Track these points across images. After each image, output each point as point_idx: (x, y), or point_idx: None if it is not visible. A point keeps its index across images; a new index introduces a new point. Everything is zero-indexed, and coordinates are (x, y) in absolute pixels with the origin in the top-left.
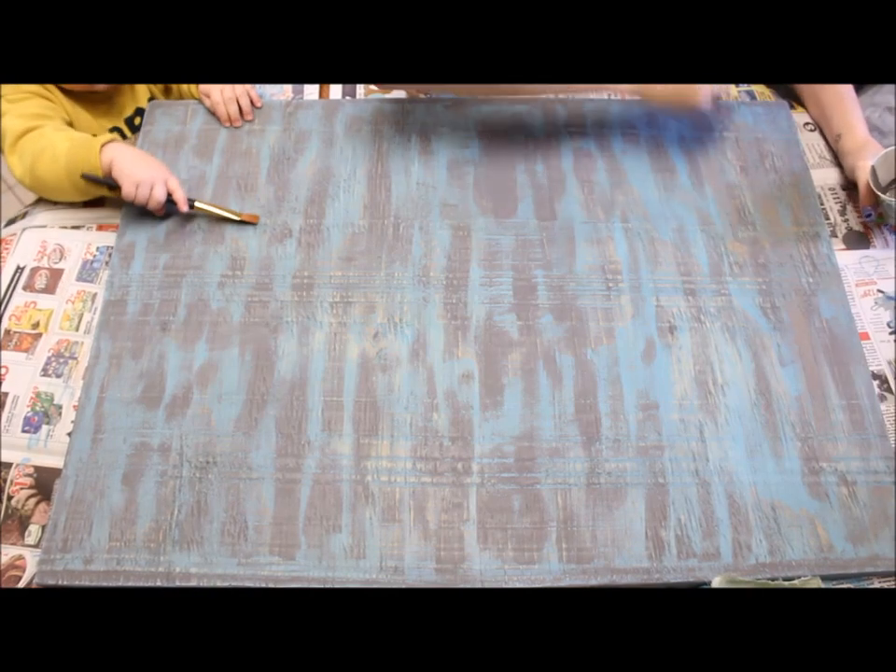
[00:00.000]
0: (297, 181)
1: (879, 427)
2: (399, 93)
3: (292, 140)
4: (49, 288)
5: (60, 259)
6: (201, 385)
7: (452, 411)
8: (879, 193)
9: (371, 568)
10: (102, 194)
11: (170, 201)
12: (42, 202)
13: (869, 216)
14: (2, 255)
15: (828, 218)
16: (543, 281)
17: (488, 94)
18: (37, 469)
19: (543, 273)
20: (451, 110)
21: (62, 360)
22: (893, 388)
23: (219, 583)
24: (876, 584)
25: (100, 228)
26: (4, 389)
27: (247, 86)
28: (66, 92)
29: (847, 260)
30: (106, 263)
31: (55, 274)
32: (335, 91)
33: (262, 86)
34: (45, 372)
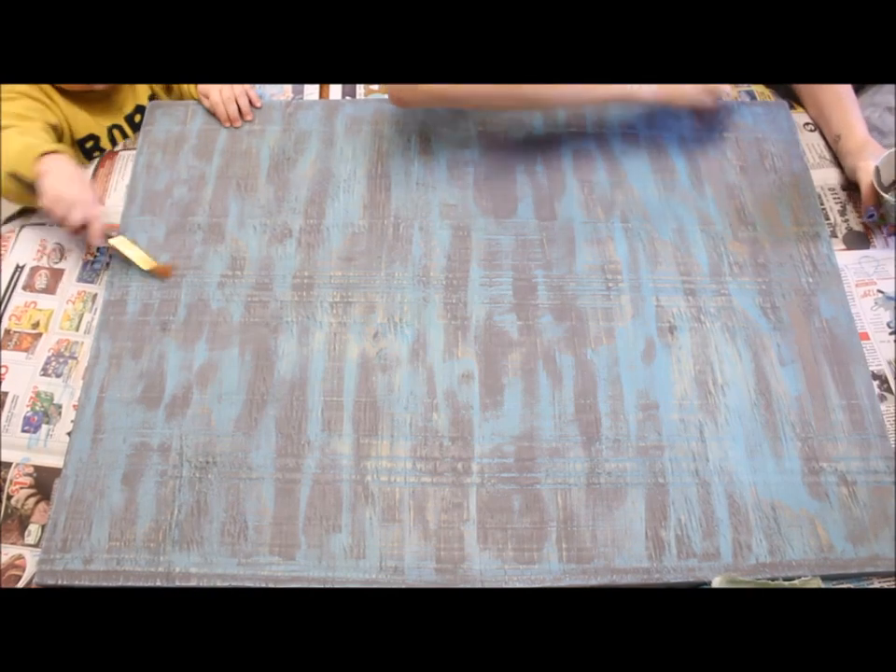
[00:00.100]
0: (297, 181)
1: (879, 427)
2: None
3: (292, 140)
4: (50, 288)
5: (60, 259)
6: (201, 385)
7: (452, 411)
8: (883, 193)
9: (371, 568)
10: (31, 203)
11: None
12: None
13: (871, 216)
14: (1, 252)
15: (828, 218)
16: (543, 281)
17: (512, 108)
18: (37, 468)
19: (543, 273)
20: (451, 110)
21: (62, 360)
22: (893, 388)
23: (219, 583)
24: (876, 584)
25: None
26: (4, 389)
27: (246, 86)
28: (64, 92)
29: (847, 260)
30: (107, 264)
31: (55, 274)
32: (335, 90)
33: (262, 86)
34: (45, 372)
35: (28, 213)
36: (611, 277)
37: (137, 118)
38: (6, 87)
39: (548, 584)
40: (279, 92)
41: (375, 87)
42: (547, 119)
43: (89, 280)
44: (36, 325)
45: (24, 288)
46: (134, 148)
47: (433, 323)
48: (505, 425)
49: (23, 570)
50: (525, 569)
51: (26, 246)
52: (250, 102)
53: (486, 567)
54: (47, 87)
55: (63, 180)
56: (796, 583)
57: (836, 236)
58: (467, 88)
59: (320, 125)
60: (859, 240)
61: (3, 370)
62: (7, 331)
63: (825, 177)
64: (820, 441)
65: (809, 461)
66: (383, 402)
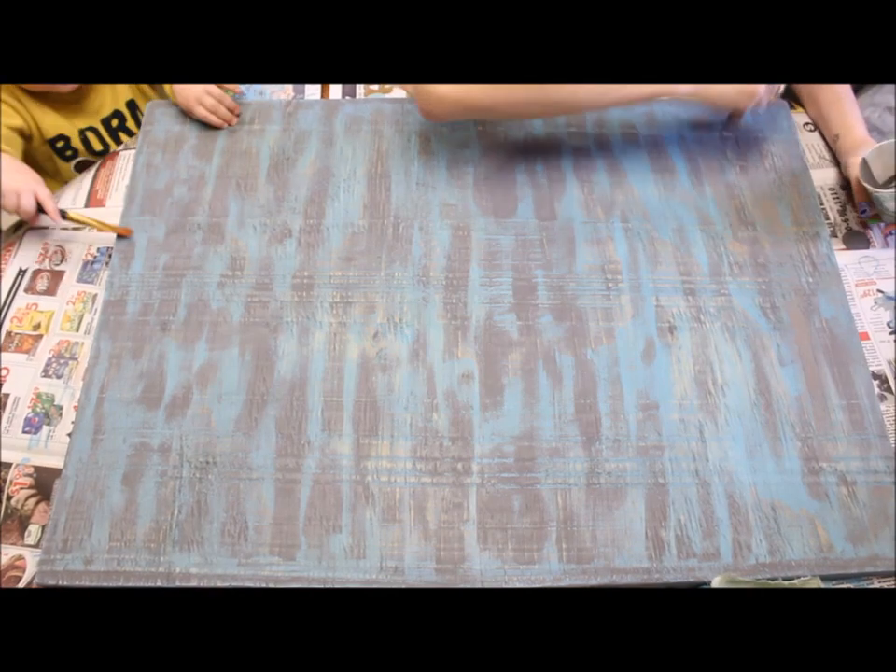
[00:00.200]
0: (297, 181)
1: (879, 427)
2: (399, 93)
3: (292, 140)
4: (50, 290)
5: (61, 261)
6: (201, 385)
7: (452, 411)
8: (867, 185)
9: (371, 568)
10: None
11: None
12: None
13: (864, 212)
14: (4, 258)
15: (828, 218)
16: (543, 281)
17: (542, 115)
18: (37, 469)
19: (543, 273)
20: None
21: (62, 361)
22: (893, 388)
23: (220, 584)
24: (876, 584)
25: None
26: (5, 390)
27: (211, 89)
28: (31, 93)
29: (847, 260)
30: (106, 264)
31: (56, 276)
32: (335, 90)
33: (263, 86)
34: (45, 373)
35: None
36: (611, 277)
37: (115, 122)
38: None
39: (548, 584)
40: (280, 91)
41: (375, 87)
42: (547, 119)
43: (89, 280)
44: (37, 326)
45: (26, 291)
46: (134, 148)
47: (433, 323)
48: (505, 425)
49: (24, 571)
50: (525, 569)
51: (29, 250)
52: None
53: (486, 567)
54: (13, 88)
55: (7, 173)
56: (796, 583)
57: (836, 236)
58: (494, 94)
59: (320, 125)
60: (859, 240)
61: (4, 371)
62: (9, 333)
63: (825, 177)
64: (820, 441)
65: (809, 461)
66: (383, 402)
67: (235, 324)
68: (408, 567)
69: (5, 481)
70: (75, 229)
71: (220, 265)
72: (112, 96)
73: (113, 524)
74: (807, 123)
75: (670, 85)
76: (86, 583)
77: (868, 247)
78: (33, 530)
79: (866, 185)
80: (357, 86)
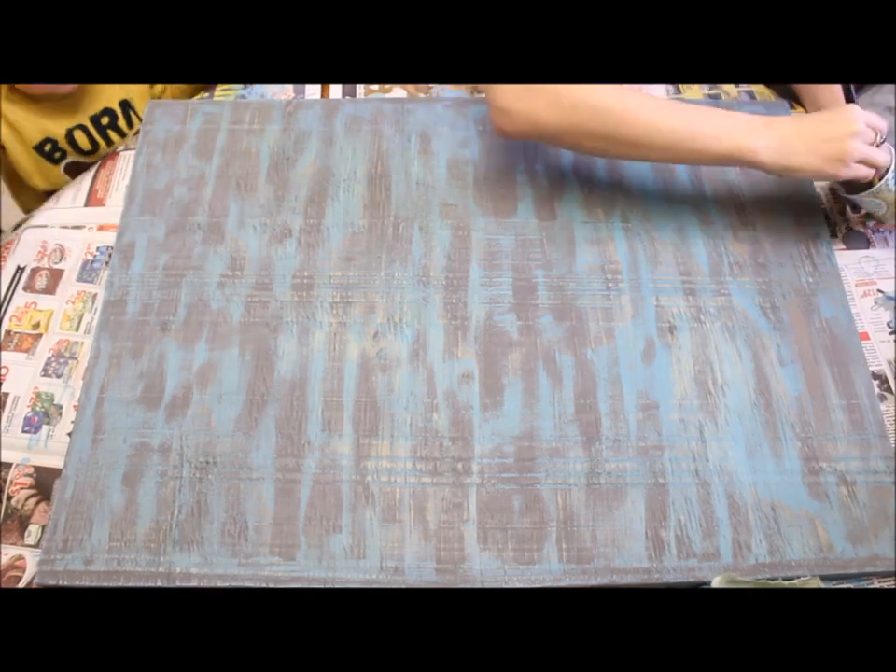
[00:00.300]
0: (297, 181)
1: (879, 427)
2: (399, 93)
3: (292, 140)
4: (50, 289)
5: (60, 260)
6: (201, 385)
7: (452, 411)
8: (846, 195)
9: (371, 569)
10: None
11: None
12: (44, 203)
13: (855, 208)
14: (2, 255)
15: (828, 218)
16: (543, 281)
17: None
18: (37, 469)
19: (543, 273)
20: (451, 110)
21: (62, 360)
22: (893, 388)
23: (220, 584)
24: (876, 584)
25: (100, 228)
26: (4, 390)
27: None
28: (12, 100)
29: (847, 260)
30: (106, 263)
31: (55, 275)
32: (335, 90)
33: (263, 86)
34: (45, 373)
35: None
36: (611, 277)
37: (105, 120)
38: None
39: (548, 584)
40: (280, 92)
41: (375, 87)
42: None
43: (88, 280)
44: (37, 325)
45: (25, 289)
46: (135, 148)
47: (433, 323)
48: (505, 425)
49: (24, 571)
50: (525, 569)
51: (27, 248)
52: None
53: (486, 567)
54: None
55: None
56: (796, 583)
57: (836, 236)
58: (563, 120)
59: (320, 125)
60: (859, 240)
61: (3, 370)
62: (8, 332)
63: None
64: (820, 441)
65: (809, 461)
66: (383, 402)
67: (235, 324)
68: (408, 566)
69: (5, 481)
70: (74, 227)
71: (220, 265)
72: (105, 94)
73: (113, 524)
74: None
75: (753, 146)
76: (86, 583)
77: (868, 247)
78: (33, 530)
79: (845, 195)
80: (357, 86)
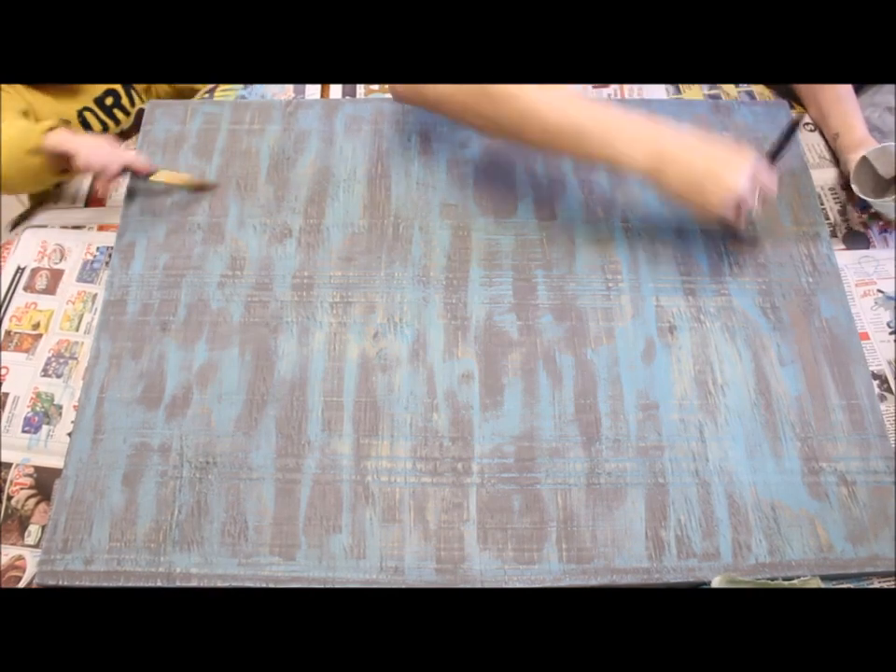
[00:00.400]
0: (297, 181)
1: (879, 427)
2: None
3: (292, 140)
4: (50, 289)
5: (60, 260)
6: (201, 385)
7: (452, 411)
8: (863, 196)
9: (371, 569)
10: (53, 180)
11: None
12: (44, 202)
13: (863, 207)
14: (2, 255)
15: (828, 218)
16: (543, 281)
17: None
18: (37, 469)
19: (543, 273)
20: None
21: (62, 361)
22: (893, 388)
23: (220, 584)
24: (876, 584)
25: (100, 228)
26: (4, 390)
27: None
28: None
29: (847, 260)
30: (106, 263)
31: (55, 275)
32: (335, 90)
33: (263, 86)
34: (45, 373)
35: (31, 215)
36: (611, 277)
37: (108, 100)
38: None
39: (548, 584)
40: (280, 92)
41: (375, 87)
42: None
43: (89, 280)
44: (37, 325)
45: (25, 289)
46: (135, 148)
47: (433, 323)
48: (505, 425)
49: (24, 571)
50: (525, 569)
51: (27, 248)
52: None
53: (486, 568)
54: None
55: (85, 140)
56: (796, 583)
57: (836, 236)
58: (445, 89)
59: (320, 124)
60: (859, 240)
61: (3, 371)
62: (8, 332)
63: (825, 177)
64: (820, 441)
65: (809, 461)
66: (383, 402)
67: (235, 324)
68: (408, 566)
69: (5, 481)
70: (74, 227)
71: (220, 265)
72: None
73: (113, 524)
74: (807, 123)
75: (627, 153)
76: (86, 583)
77: (868, 247)
78: (33, 530)
79: (863, 196)
80: (357, 86)
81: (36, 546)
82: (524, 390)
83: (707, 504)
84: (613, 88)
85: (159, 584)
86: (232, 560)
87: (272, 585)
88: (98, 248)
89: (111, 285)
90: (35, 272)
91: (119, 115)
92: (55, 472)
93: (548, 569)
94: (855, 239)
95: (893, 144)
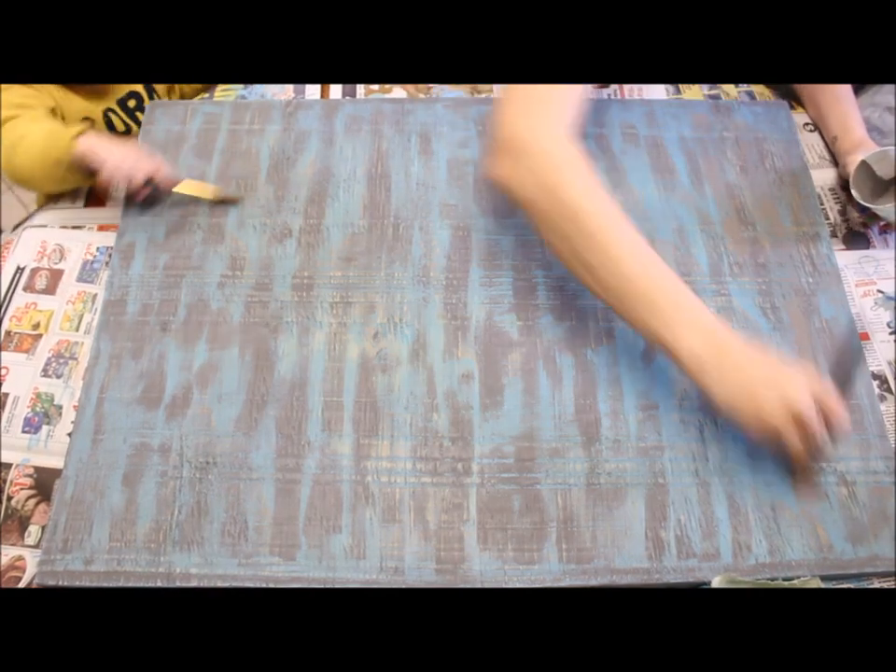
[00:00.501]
0: (297, 181)
1: (879, 427)
2: (399, 93)
3: (292, 140)
4: (50, 289)
5: (60, 260)
6: (201, 385)
7: (452, 411)
8: (863, 202)
9: (372, 569)
10: (79, 184)
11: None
12: (44, 203)
13: (864, 210)
14: (2, 255)
15: (828, 218)
16: (543, 281)
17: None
18: (37, 469)
19: (543, 273)
20: (451, 110)
21: (62, 361)
22: (893, 388)
23: (220, 584)
24: (876, 584)
25: (100, 228)
26: (4, 390)
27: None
28: None
29: (847, 260)
30: (106, 263)
31: (55, 275)
32: (335, 90)
33: (263, 86)
34: (45, 373)
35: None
36: None
37: (131, 102)
38: None
39: (548, 584)
40: (280, 92)
41: (375, 87)
42: None
43: (88, 280)
44: (37, 326)
45: (25, 289)
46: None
47: (433, 323)
48: (505, 425)
49: (24, 571)
50: (525, 570)
51: (27, 248)
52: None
53: (486, 568)
54: None
55: (112, 149)
56: (796, 583)
57: (836, 236)
58: (544, 204)
59: (320, 125)
60: (859, 240)
61: (3, 371)
62: (8, 333)
63: (825, 177)
64: None
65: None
66: (383, 402)
67: (235, 324)
68: (408, 567)
69: (5, 481)
70: (74, 227)
71: (220, 265)
72: None
73: (113, 524)
74: (807, 123)
75: (687, 337)
76: (86, 583)
77: (868, 247)
78: (33, 530)
79: (862, 202)
80: (357, 86)
81: (36, 546)
82: (524, 390)
83: (707, 504)
84: (613, 88)
85: (159, 584)
86: (232, 560)
87: (272, 585)
88: (98, 248)
89: (111, 285)
90: (34, 272)
91: (141, 116)
92: (55, 472)
93: (548, 569)
94: (855, 239)
95: (892, 148)
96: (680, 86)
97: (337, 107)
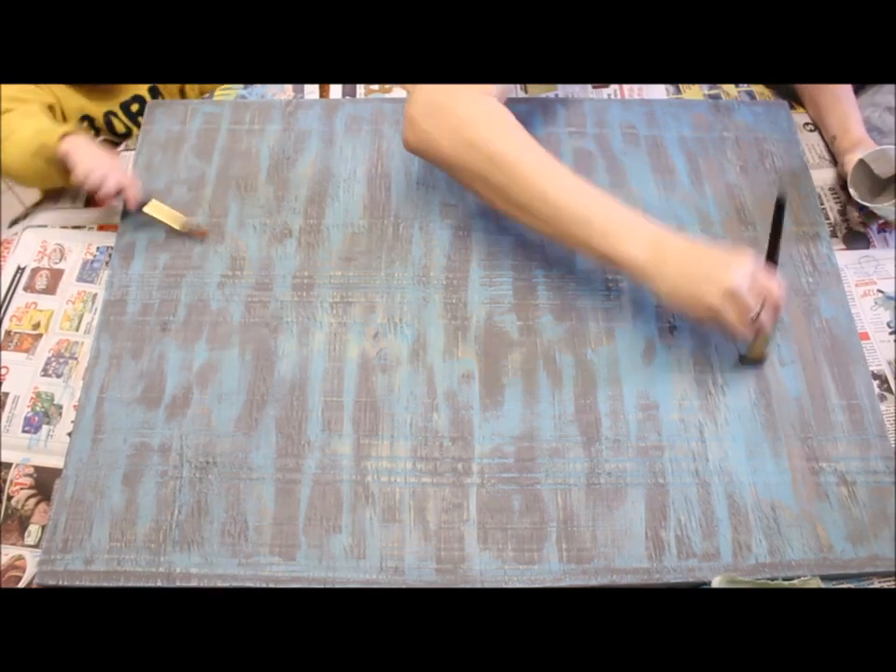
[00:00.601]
0: (297, 181)
1: (879, 427)
2: (399, 93)
3: (292, 140)
4: (50, 289)
5: (60, 260)
6: (201, 385)
7: (452, 411)
8: (861, 201)
9: (372, 569)
10: (60, 183)
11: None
12: (43, 202)
13: (861, 208)
14: (2, 255)
15: (828, 218)
16: (543, 281)
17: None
18: (37, 469)
19: (543, 273)
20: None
21: (62, 360)
22: (893, 388)
23: (220, 584)
24: (876, 584)
25: (100, 228)
26: (4, 389)
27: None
28: None
29: (847, 260)
30: (106, 263)
31: (55, 275)
32: (335, 90)
33: (263, 86)
34: (45, 372)
35: (32, 214)
36: (611, 277)
37: (134, 107)
38: None
39: (548, 584)
40: (280, 92)
41: (375, 87)
42: (547, 119)
43: (89, 280)
44: (37, 325)
45: (25, 289)
46: (134, 149)
47: (433, 323)
48: (505, 425)
49: (24, 571)
50: (525, 569)
51: (27, 248)
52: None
53: (486, 568)
54: None
55: (91, 154)
56: (796, 583)
57: (836, 236)
58: (461, 156)
59: (320, 125)
60: (859, 240)
61: (3, 370)
62: (8, 332)
63: (825, 177)
64: (820, 441)
65: (809, 461)
66: (383, 402)
67: (235, 324)
68: (408, 567)
69: (5, 481)
70: (74, 228)
71: (220, 265)
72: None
73: (113, 524)
74: (807, 123)
75: (630, 256)
76: (86, 583)
77: (868, 247)
78: (33, 530)
79: (860, 201)
80: (357, 86)
81: (36, 546)
82: (524, 390)
83: (707, 504)
84: (613, 88)
85: (159, 584)
86: (232, 560)
87: (272, 585)
88: (98, 248)
89: (111, 285)
90: (34, 271)
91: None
92: (55, 472)
93: (548, 569)
94: (855, 239)
95: (890, 147)
96: (680, 86)
97: (337, 107)
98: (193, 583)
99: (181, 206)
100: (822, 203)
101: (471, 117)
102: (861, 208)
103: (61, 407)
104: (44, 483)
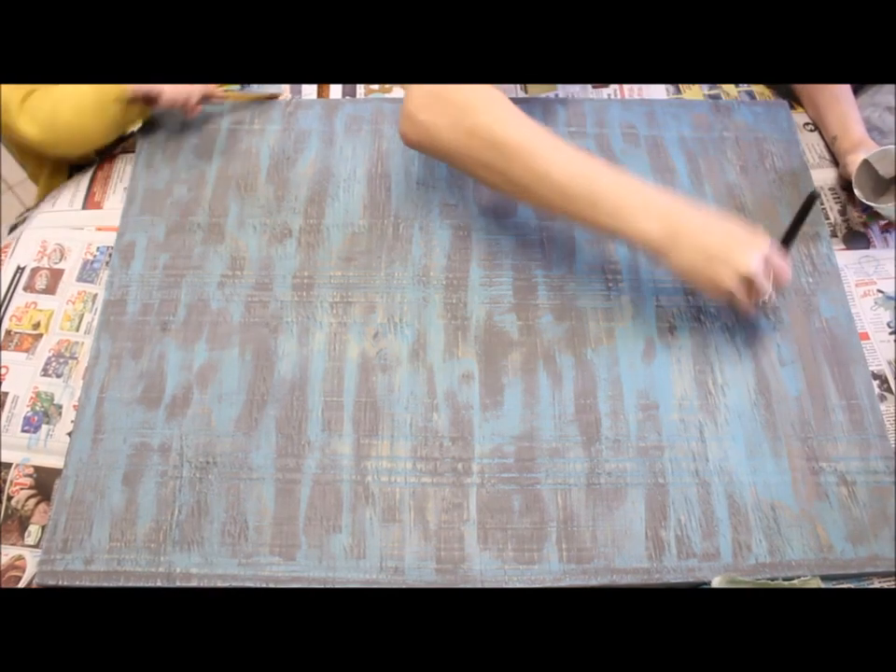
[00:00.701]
0: (297, 181)
1: (879, 427)
2: (399, 93)
3: (292, 140)
4: (50, 289)
5: (60, 260)
6: (201, 385)
7: (452, 411)
8: (865, 201)
9: (372, 569)
10: (126, 126)
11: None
12: (41, 204)
13: (865, 208)
14: (2, 255)
15: (828, 218)
16: (543, 281)
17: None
18: (37, 469)
19: (543, 273)
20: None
21: (62, 360)
22: (893, 388)
23: (220, 584)
24: (876, 584)
25: (100, 228)
26: (4, 389)
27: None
28: None
29: (847, 260)
30: (106, 263)
31: (55, 275)
32: (335, 90)
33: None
34: (45, 372)
35: (30, 218)
36: (611, 277)
37: None
38: None
39: (548, 584)
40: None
41: (375, 87)
42: (547, 119)
43: (89, 280)
44: (37, 325)
45: (25, 289)
46: (133, 151)
47: (433, 323)
48: (505, 425)
49: (23, 571)
50: (525, 569)
51: (27, 248)
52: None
53: (486, 568)
54: None
55: (157, 82)
56: (796, 583)
57: (836, 236)
58: (460, 144)
59: (320, 124)
60: (859, 240)
61: (3, 370)
62: (8, 332)
63: (825, 177)
64: (820, 441)
65: (809, 461)
66: (383, 402)
67: (235, 324)
68: (408, 566)
69: (5, 481)
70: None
71: (220, 265)
72: None
73: (113, 524)
74: (807, 123)
75: (640, 224)
76: (86, 583)
77: (868, 247)
78: (33, 530)
79: (865, 201)
80: (357, 86)
81: (36, 546)
82: (524, 390)
83: (707, 504)
84: (613, 88)
85: (159, 584)
86: (232, 560)
87: (272, 585)
88: (98, 248)
89: (111, 285)
90: (34, 271)
91: None
92: (55, 472)
93: (548, 569)
94: (855, 239)
95: (893, 147)
96: (680, 86)
97: (337, 107)
98: (193, 583)
99: (181, 206)
100: (822, 203)
101: (469, 103)
102: (866, 209)
103: (61, 407)
104: (44, 482)
